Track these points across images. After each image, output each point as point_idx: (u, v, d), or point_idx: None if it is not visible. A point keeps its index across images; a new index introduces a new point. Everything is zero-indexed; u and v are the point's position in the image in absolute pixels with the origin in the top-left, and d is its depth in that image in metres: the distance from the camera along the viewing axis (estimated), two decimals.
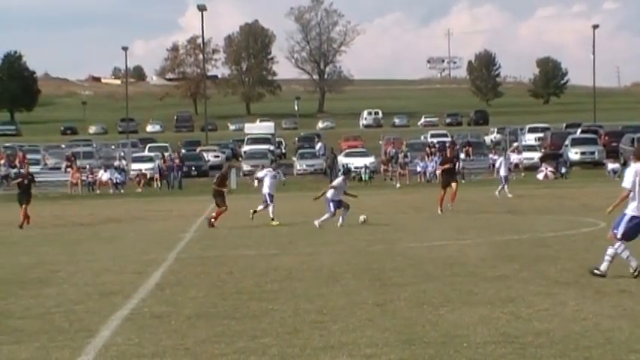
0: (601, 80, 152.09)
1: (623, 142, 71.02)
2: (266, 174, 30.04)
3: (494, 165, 68.17)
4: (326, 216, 26.79)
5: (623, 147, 69.72)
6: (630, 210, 14.28)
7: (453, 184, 31.16)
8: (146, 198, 51.51)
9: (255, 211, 28.89)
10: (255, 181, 62.91)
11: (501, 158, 43.87)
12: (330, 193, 27.19)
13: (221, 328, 11.01)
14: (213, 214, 27.95)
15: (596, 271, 14.22)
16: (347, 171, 32.57)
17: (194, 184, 62.87)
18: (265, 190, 29.14)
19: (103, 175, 62.56)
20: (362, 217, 27.36)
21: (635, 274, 14.01)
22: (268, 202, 28.72)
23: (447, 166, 31.99)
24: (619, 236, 14.19)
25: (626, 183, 14.39)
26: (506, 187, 40.62)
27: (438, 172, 31.69)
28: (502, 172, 41.64)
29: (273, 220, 28.07)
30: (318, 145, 79.97)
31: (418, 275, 15.23)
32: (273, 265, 17.27)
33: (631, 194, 14.31)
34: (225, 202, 28.31)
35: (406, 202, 38.12)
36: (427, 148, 70.07)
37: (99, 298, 13.85)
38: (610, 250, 14.20)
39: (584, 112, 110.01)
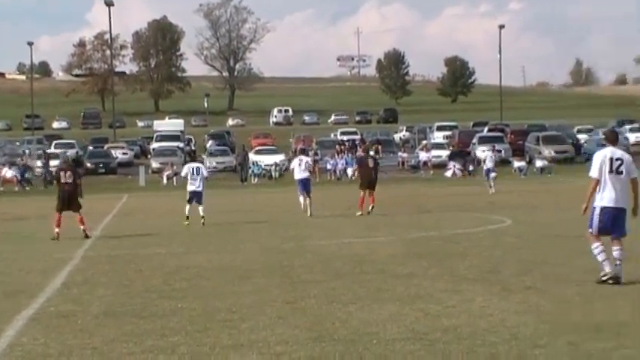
0: (507, 79, 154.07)
1: (528, 140, 72.36)
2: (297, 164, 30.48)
3: (403, 163, 69.27)
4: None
5: (529, 145, 71.04)
6: (598, 201, 13.27)
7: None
8: (52, 196, 50.65)
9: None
10: (165, 179, 62.76)
11: (489, 153, 44.56)
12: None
13: (129, 327, 10.89)
14: (82, 227, 23.48)
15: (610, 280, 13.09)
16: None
17: (101, 182, 62.11)
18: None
19: (7, 173, 61.44)
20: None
21: (604, 278, 13.01)
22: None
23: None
24: (595, 232, 13.25)
25: (593, 171, 13.30)
26: (492, 182, 41.95)
27: None
28: (489, 165, 43.03)
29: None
30: (209, 143, 79.78)
31: (328, 273, 15.26)
32: (183, 264, 17.15)
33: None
34: (79, 204, 23.85)
35: (316, 200, 38.18)
36: (337, 146, 70.42)
37: (3, 297, 13.59)
38: (615, 254, 13.14)
39: (491, 111, 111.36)
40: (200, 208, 26.77)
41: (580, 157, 71.56)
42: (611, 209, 13.15)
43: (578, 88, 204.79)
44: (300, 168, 29.91)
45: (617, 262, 13.17)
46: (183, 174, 27.76)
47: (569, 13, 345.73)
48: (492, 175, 42.65)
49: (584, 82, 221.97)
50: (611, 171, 13.15)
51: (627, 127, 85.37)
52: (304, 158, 30.96)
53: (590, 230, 13.32)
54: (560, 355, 8.94)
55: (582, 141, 76.96)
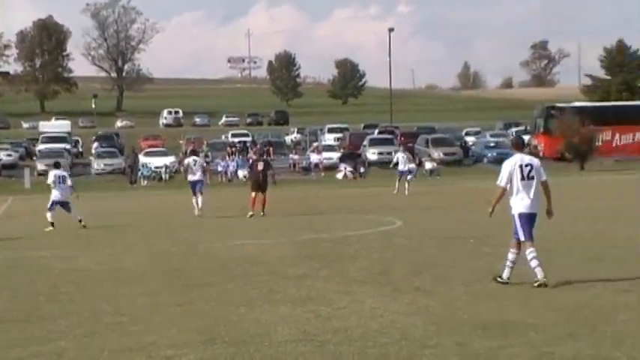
0: (397, 82, 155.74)
1: (418, 142, 73.26)
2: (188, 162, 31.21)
3: (295, 165, 69.41)
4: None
5: (418, 147, 71.90)
6: (516, 208, 13.40)
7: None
8: None
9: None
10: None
11: (400, 154, 43.99)
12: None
13: (15, 332, 10.66)
14: None
15: (499, 279, 13.35)
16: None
17: None
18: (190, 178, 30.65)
19: None
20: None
21: (537, 285, 12.91)
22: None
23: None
24: (523, 239, 13.28)
25: (501, 180, 13.43)
26: (406, 183, 41.57)
27: None
28: (401, 167, 42.38)
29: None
30: (94, 145, 78.56)
31: (219, 275, 15.19)
32: (71, 267, 16.87)
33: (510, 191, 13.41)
34: None
35: (207, 202, 37.99)
36: (228, 148, 70.26)
37: None
38: (511, 256, 13.36)
39: (381, 113, 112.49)
40: (72, 215, 26.70)
41: (468, 159, 72.78)
42: (527, 214, 13.29)
43: (466, 91, 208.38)
44: (194, 168, 30.44)
45: (510, 264, 13.34)
46: (49, 181, 27.39)
47: (457, 17, 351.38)
48: (409, 177, 42.61)
49: (471, 86, 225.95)
50: (522, 178, 13.31)
51: (513, 129, 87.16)
52: (197, 159, 31.63)
53: (517, 238, 13.35)
54: (449, 355, 9.06)
55: (470, 143, 78.27)
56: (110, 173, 67.54)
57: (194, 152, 34.75)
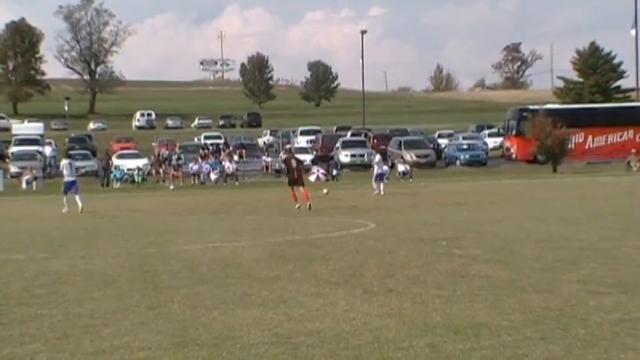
0: (369, 84, 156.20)
1: (391, 145, 73.40)
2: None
3: (267, 167, 69.37)
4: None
5: (391, 150, 72.08)
6: None
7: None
8: None
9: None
10: (24, 183, 61.36)
11: (378, 157, 45.91)
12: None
13: None
14: None
15: None
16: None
17: None
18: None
19: None
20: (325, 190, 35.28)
21: None
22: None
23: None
24: None
25: None
26: (381, 184, 43.49)
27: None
28: (377, 170, 44.50)
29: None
30: (48, 149, 77.88)
31: (192, 277, 15.16)
32: (43, 269, 16.78)
33: None
34: None
35: (180, 205, 37.93)
36: (201, 150, 70.19)
37: None
38: None
39: (353, 116, 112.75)
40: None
41: (440, 161, 72.95)
42: None
43: (439, 94, 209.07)
44: (69, 171, 34.35)
45: None
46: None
47: (430, 19, 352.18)
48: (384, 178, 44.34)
49: (444, 88, 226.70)
50: None
51: (486, 132, 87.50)
52: (71, 161, 35.85)
53: None
54: (421, 357, 9.08)
55: (443, 146, 78.46)
56: (82, 175, 67.29)
57: (70, 156, 38.79)
